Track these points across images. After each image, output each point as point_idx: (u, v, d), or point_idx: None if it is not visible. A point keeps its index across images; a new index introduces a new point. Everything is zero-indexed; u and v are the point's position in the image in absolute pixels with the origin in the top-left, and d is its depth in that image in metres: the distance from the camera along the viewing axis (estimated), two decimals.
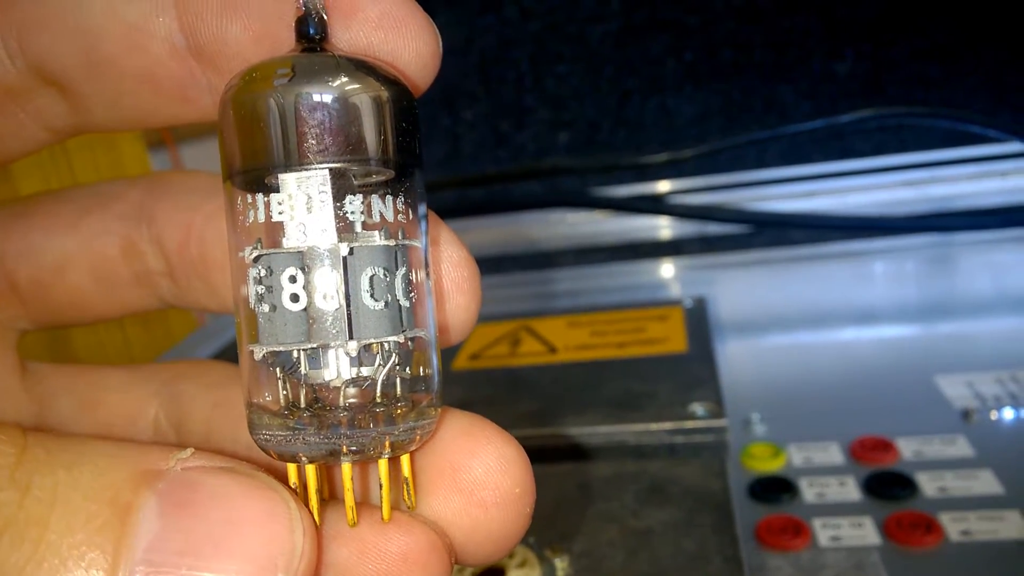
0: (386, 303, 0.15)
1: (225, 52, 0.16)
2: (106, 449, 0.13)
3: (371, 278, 0.15)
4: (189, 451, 0.14)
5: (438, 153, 0.74)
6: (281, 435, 0.15)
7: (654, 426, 0.38)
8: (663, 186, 0.66)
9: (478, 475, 0.16)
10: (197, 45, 0.16)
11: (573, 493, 0.34)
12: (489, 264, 0.68)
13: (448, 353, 0.50)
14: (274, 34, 0.16)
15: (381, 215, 0.15)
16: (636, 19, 0.69)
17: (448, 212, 0.66)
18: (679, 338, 0.47)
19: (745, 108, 0.69)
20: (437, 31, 0.17)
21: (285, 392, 0.15)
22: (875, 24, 0.65)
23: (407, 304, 0.16)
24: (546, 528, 0.32)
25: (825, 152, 0.65)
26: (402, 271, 0.16)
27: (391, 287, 0.15)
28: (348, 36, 0.16)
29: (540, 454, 0.38)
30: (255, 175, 0.15)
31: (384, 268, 0.15)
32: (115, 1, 0.16)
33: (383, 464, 0.16)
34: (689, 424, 0.37)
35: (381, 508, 0.16)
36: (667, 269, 0.64)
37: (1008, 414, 0.39)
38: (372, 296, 0.15)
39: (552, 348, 0.49)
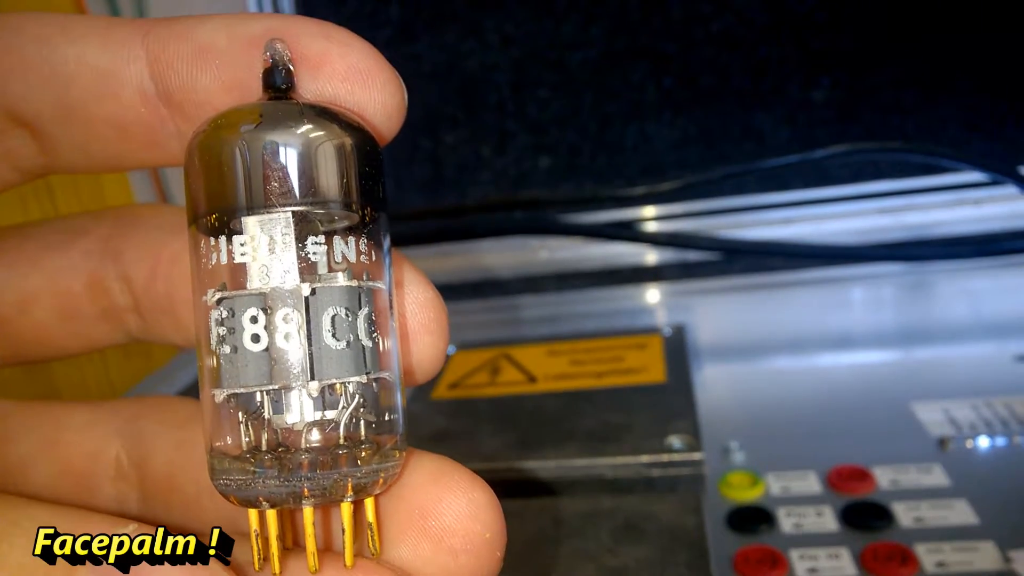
0: (348, 343, 0.15)
1: (194, 100, 0.16)
2: (42, 516, 0.13)
3: (333, 318, 0.15)
4: (133, 525, 0.13)
5: (419, 176, 0.74)
6: (241, 479, 0.15)
7: (631, 459, 0.38)
8: (642, 212, 0.67)
9: (447, 521, 0.16)
10: (167, 92, 0.16)
11: (549, 529, 0.34)
12: (468, 290, 0.68)
13: (428, 382, 0.50)
14: (243, 83, 0.16)
15: (344, 257, 0.16)
16: (616, 46, 0.69)
17: (427, 238, 0.66)
18: (657, 368, 0.47)
19: (723, 134, 0.69)
20: (403, 84, 0.17)
21: (247, 436, 0.15)
22: (851, 54, 0.66)
23: (370, 344, 0.16)
24: (522, 566, 0.31)
25: (803, 179, 0.66)
26: (365, 311, 0.16)
27: (353, 327, 0.15)
28: (316, 87, 0.16)
29: (518, 488, 0.38)
30: (219, 218, 0.15)
31: (346, 308, 0.15)
32: (87, 49, 0.16)
33: (346, 508, 0.15)
34: (665, 457, 0.37)
35: (344, 554, 0.16)
36: (646, 295, 0.65)
37: (983, 442, 0.39)
38: (334, 336, 0.15)
39: (531, 377, 0.48)
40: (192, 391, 0.55)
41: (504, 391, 0.47)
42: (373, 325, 0.16)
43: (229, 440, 0.15)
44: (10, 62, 0.16)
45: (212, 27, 0.16)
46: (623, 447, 0.38)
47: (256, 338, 0.15)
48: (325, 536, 0.17)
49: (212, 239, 0.15)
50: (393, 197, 0.74)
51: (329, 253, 0.15)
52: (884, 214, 0.64)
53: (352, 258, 0.16)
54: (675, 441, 0.38)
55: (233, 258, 0.15)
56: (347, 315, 0.15)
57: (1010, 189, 0.55)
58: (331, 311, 0.15)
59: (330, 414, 0.15)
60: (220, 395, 0.15)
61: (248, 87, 0.16)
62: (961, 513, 0.34)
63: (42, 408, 0.21)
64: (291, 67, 0.16)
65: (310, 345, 0.15)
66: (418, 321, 0.18)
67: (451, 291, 0.68)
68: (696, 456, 0.37)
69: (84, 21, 0.17)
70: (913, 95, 0.66)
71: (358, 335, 0.15)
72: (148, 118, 0.17)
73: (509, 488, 0.38)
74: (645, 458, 0.37)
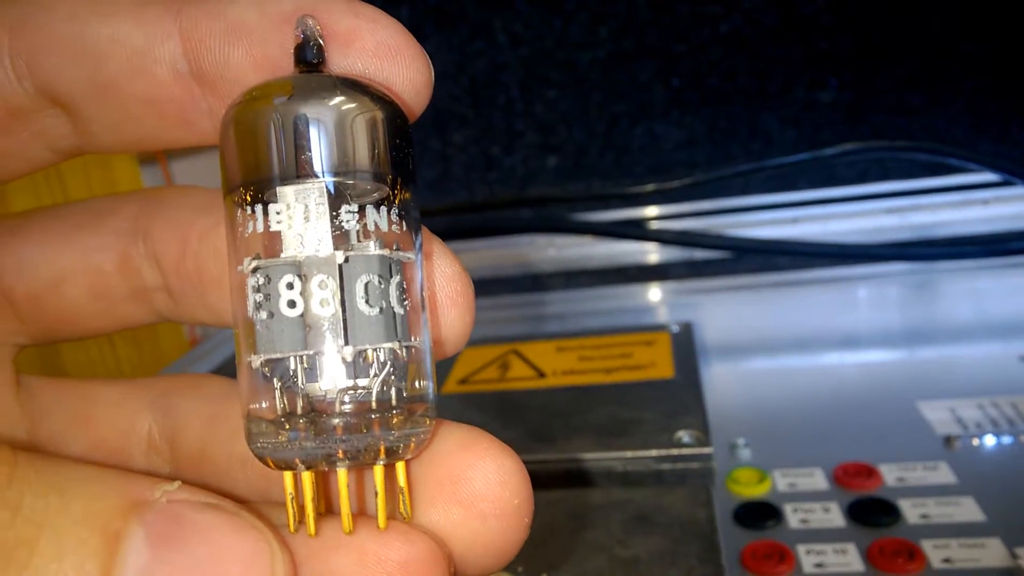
0: (380, 309, 0.16)
1: (226, 77, 0.17)
2: (95, 475, 0.13)
3: (366, 285, 0.16)
4: (176, 484, 0.14)
5: (429, 175, 0.74)
6: (277, 442, 0.15)
7: (641, 453, 0.38)
8: (650, 211, 0.67)
9: (477, 487, 0.17)
10: (199, 70, 0.17)
11: (562, 521, 0.34)
12: (478, 287, 0.68)
13: (437, 377, 0.50)
14: (274, 60, 0.17)
15: (376, 226, 0.16)
16: (624, 46, 0.70)
17: (438, 235, 0.66)
18: (666, 364, 0.48)
19: (730, 134, 0.70)
20: (430, 61, 0.17)
21: (282, 401, 0.16)
22: (857, 54, 0.67)
23: (401, 312, 0.16)
24: (535, 556, 0.32)
25: (809, 179, 0.66)
26: (396, 280, 0.16)
27: (386, 294, 0.16)
28: (346, 63, 0.17)
29: (530, 480, 0.38)
30: (255, 189, 0.16)
31: (379, 276, 0.16)
32: (121, 27, 0.16)
33: (378, 471, 0.16)
34: (675, 451, 0.38)
35: (377, 517, 0.16)
36: (654, 293, 0.65)
37: (989, 440, 0.40)
38: (367, 302, 0.15)
39: (541, 373, 0.49)
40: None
41: (514, 386, 0.48)
42: (404, 293, 0.16)
43: (265, 405, 0.16)
44: (43, 40, 0.16)
45: (244, 5, 0.17)
46: (632, 441, 0.39)
47: (292, 304, 0.15)
48: (359, 501, 0.18)
49: (248, 209, 0.16)
50: None
51: (362, 223, 0.16)
52: (891, 214, 0.64)
53: (384, 228, 0.16)
54: (684, 436, 0.38)
55: (269, 227, 0.15)
56: (380, 282, 0.16)
57: (1017, 189, 0.55)
58: (364, 278, 0.16)
59: (363, 380, 0.16)
60: (257, 360, 0.16)
61: (279, 64, 0.17)
62: (967, 510, 0.35)
63: (73, 385, 0.21)
64: (322, 42, 0.16)
65: (344, 311, 0.15)
66: (445, 294, 0.18)
67: None
68: (705, 450, 0.38)
69: (117, 0, 0.17)
70: (919, 96, 0.67)
71: (390, 302, 0.16)
72: (181, 96, 0.17)
73: None
74: (655, 452, 0.38)
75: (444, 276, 0.18)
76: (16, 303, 0.20)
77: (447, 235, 0.66)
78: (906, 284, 0.60)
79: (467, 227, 0.66)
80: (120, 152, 0.19)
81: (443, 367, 0.51)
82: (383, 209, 0.16)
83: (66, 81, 0.17)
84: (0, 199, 0.70)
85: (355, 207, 0.16)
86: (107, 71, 0.17)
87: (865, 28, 0.66)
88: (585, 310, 0.65)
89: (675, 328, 0.53)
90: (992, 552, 0.32)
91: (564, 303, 0.66)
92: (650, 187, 0.60)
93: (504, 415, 0.44)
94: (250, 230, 0.16)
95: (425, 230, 0.18)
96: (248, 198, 0.16)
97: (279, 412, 0.16)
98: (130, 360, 0.82)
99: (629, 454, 0.38)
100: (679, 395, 0.43)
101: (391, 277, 0.16)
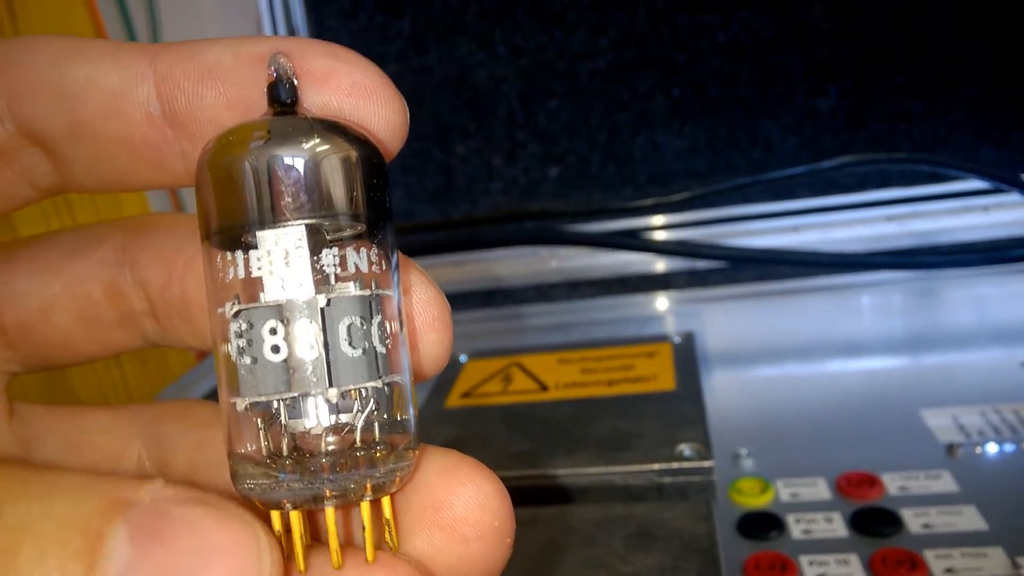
0: (363, 350, 0.16)
1: (199, 117, 0.17)
2: (79, 480, 0.13)
3: (348, 327, 0.16)
4: (159, 482, 0.14)
5: (431, 187, 0.75)
6: (264, 483, 0.15)
7: (642, 467, 0.38)
8: (650, 221, 0.67)
9: (458, 512, 0.17)
10: (172, 112, 0.17)
11: (562, 537, 0.34)
12: (480, 299, 0.68)
13: (441, 390, 0.50)
14: (248, 99, 0.17)
15: (356, 267, 0.16)
16: (625, 56, 0.70)
17: (439, 248, 0.67)
18: (667, 375, 0.48)
19: (731, 143, 0.70)
20: (405, 103, 0.18)
21: (267, 442, 0.16)
22: (857, 62, 0.67)
23: (383, 351, 0.16)
24: (536, 573, 0.32)
25: (810, 188, 0.67)
26: (377, 319, 0.16)
27: (368, 335, 0.16)
28: (321, 102, 0.17)
29: (531, 495, 0.39)
30: (232, 233, 0.16)
31: (361, 317, 0.16)
32: (98, 69, 0.17)
33: (365, 507, 0.16)
34: (676, 465, 0.38)
35: (365, 550, 0.16)
36: (656, 303, 0.65)
37: (992, 448, 0.40)
38: (351, 344, 0.16)
39: (543, 386, 0.49)
40: (211, 400, 0.56)
41: (516, 399, 0.48)
42: (386, 332, 0.16)
43: (250, 446, 0.16)
44: (26, 82, 0.17)
45: (219, 48, 0.17)
46: (634, 455, 0.39)
47: (276, 349, 0.15)
48: (345, 532, 0.18)
49: (228, 254, 0.16)
50: (405, 207, 0.75)
51: (342, 264, 0.16)
52: (892, 222, 0.64)
53: (364, 268, 0.16)
54: (685, 449, 0.39)
55: (250, 272, 0.16)
56: (362, 323, 0.16)
57: (1018, 196, 0.55)
58: (347, 320, 0.16)
59: (345, 418, 0.16)
60: (242, 403, 0.16)
61: (253, 104, 0.17)
62: (970, 519, 0.35)
63: (65, 412, 0.21)
64: (295, 81, 0.16)
65: (328, 353, 0.16)
66: (423, 319, 0.19)
67: (463, 300, 0.69)
68: (706, 464, 0.38)
69: (96, 44, 0.17)
70: (920, 103, 0.67)
71: (372, 342, 0.16)
72: (154, 138, 0.17)
73: (522, 496, 0.39)
74: (656, 466, 0.38)
75: (421, 302, 0.18)
76: (7, 331, 0.20)
77: (450, 247, 0.67)
78: (907, 292, 0.60)
79: (468, 240, 0.66)
80: (99, 191, 0.19)
81: (446, 381, 0.52)
82: (362, 249, 0.16)
83: (45, 121, 0.17)
84: (7, 224, 0.71)
85: (335, 249, 0.16)
86: (83, 112, 0.17)
87: (865, 35, 0.66)
88: (587, 320, 0.65)
89: (677, 339, 0.53)
90: (994, 562, 0.32)
91: (567, 314, 0.66)
92: (649, 201, 0.61)
93: (507, 429, 0.44)
94: (231, 275, 0.16)
95: (401, 255, 0.18)
96: (225, 243, 0.16)
97: (265, 453, 0.16)
98: (136, 377, 0.83)
99: (630, 468, 0.38)
100: (681, 407, 0.43)
101: (373, 316, 0.16)
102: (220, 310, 0.16)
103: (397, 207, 0.75)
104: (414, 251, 0.65)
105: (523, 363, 0.52)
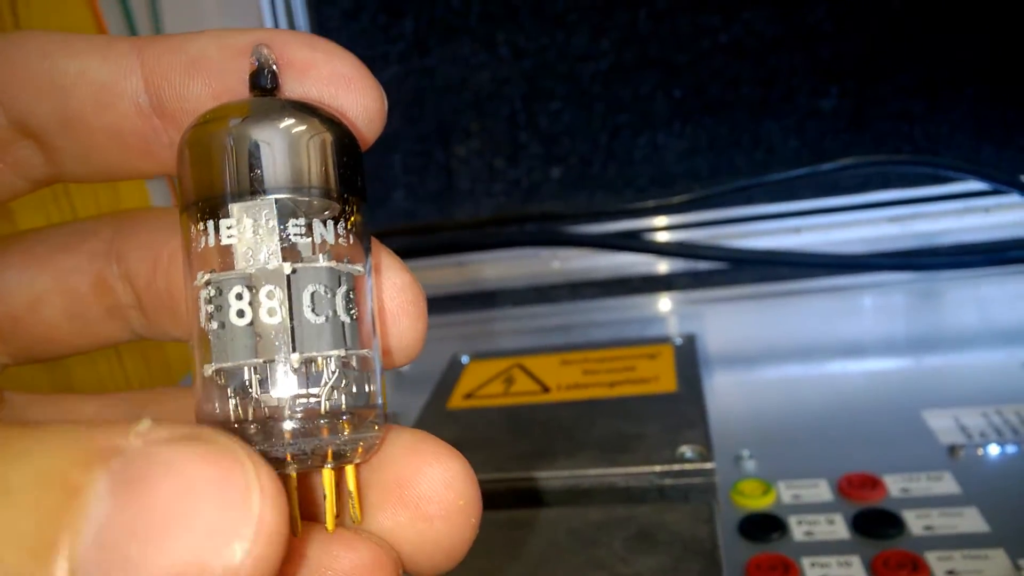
0: (327, 318, 0.16)
1: (185, 108, 0.18)
2: (63, 430, 0.12)
3: (312, 294, 0.16)
4: (147, 422, 0.12)
5: (433, 188, 0.75)
6: None
7: (643, 469, 0.38)
8: (652, 222, 0.67)
9: (423, 490, 0.17)
10: (160, 102, 0.18)
11: (563, 538, 0.34)
12: (482, 300, 0.68)
13: (442, 392, 0.50)
14: (232, 90, 0.17)
15: (323, 240, 0.17)
16: (626, 57, 0.70)
17: (441, 249, 0.67)
18: (669, 377, 0.48)
19: (733, 144, 0.70)
20: (382, 91, 0.18)
21: (234, 408, 0.16)
22: (859, 63, 0.67)
23: (348, 321, 0.17)
24: (537, 575, 0.32)
25: (811, 189, 0.67)
26: (343, 290, 0.17)
27: (332, 304, 0.16)
28: (301, 90, 0.18)
29: (531, 497, 0.39)
30: (207, 206, 0.16)
31: (325, 286, 0.16)
32: (88, 63, 0.17)
33: (327, 474, 0.16)
34: (677, 467, 0.38)
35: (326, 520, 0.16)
36: (657, 304, 0.65)
37: (993, 450, 0.40)
38: (314, 311, 0.16)
39: (545, 387, 0.49)
40: None
41: (518, 401, 0.48)
42: (351, 304, 0.17)
43: (218, 411, 0.16)
44: (17, 76, 0.17)
45: (204, 40, 0.18)
46: (635, 457, 0.39)
47: (241, 313, 0.16)
48: (314, 507, 0.18)
49: (201, 225, 0.16)
50: (407, 208, 0.75)
51: (311, 237, 0.16)
52: (893, 223, 0.64)
53: (331, 241, 0.17)
54: (687, 451, 0.39)
55: (220, 241, 0.16)
56: (326, 292, 0.16)
57: (1018, 197, 0.55)
58: (311, 288, 0.16)
59: (313, 388, 0.16)
60: (209, 369, 0.16)
61: (237, 94, 0.17)
62: (972, 521, 0.35)
63: (53, 400, 0.22)
64: (276, 70, 0.17)
65: (292, 319, 0.16)
66: (396, 304, 0.19)
67: (465, 302, 0.69)
68: (707, 466, 0.38)
69: (85, 38, 0.18)
70: (921, 103, 0.67)
71: (336, 311, 0.16)
72: (143, 128, 0.18)
73: (523, 497, 0.39)
74: (657, 468, 0.38)
75: (395, 287, 0.19)
76: None
77: (452, 248, 0.67)
78: (909, 293, 0.60)
79: (471, 241, 0.66)
80: (91, 181, 0.20)
81: (448, 382, 0.52)
82: (331, 224, 0.17)
83: (36, 114, 0.18)
84: (7, 218, 0.71)
85: (304, 222, 0.16)
86: (73, 104, 0.17)
87: (867, 36, 0.66)
88: (589, 321, 0.65)
89: (678, 340, 0.53)
90: (996, 564, 0.32)
91: (568, 315, 0.66)
92: (651, 203, 0.61)
93: (508, 430, 0.44)
94: (203, 245, 0.16)
95: (376, 242, 0.18)
96: (201, 215, 0.17)
97: (231, 418, 0.16)
98: (138, 374, 0.83)
99: (632, 470, 0.38)
100: (682, 409, 0.43)
101: (338, 287, 0.17)
102: (194, 281, 0.17)
103: (399, 208, 0.76)
104: (417, 252, 0.65)
105: (525, 364, 0.53)
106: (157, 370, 0.84)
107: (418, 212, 0.75)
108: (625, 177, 0.72)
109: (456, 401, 0.49)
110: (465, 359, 0.55)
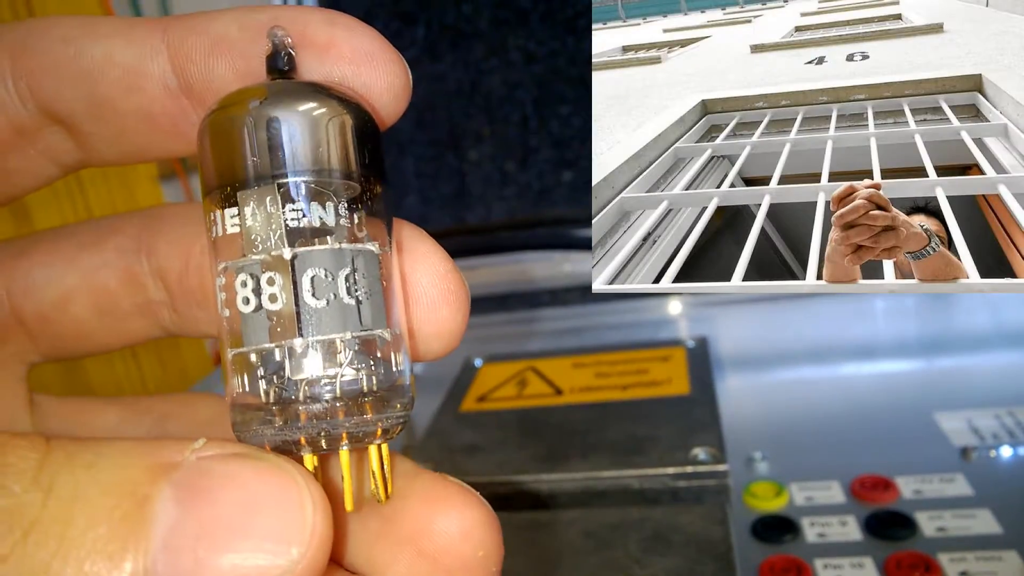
0: (328, 301, 0.16)
1: (212, 89, 0.18)
2: (124, 447, 0.14)
3: (312, 278, 0.16)
4: (202, 441, 0.14)
5: (445, 192, 0.75)
6: (247, 431, 0.16)
7: (657, 471, 0.38)
8: None
9: (440, 543, 0.17)
10: (187, 84, 0.18)
11: (579, 540, 0.34)
12: (495, 303, 0.69)
13: (456, 395, 0.51)
14: (256, 71, 0.17)
15: (337, 222, 0.16)
16: None
17: (454, 253, 0.67)
18: (682, 380, 0.48)
19: None
20: (407, 66, 0.18)
21: (254, 392, 0.16)
22: None
23: (351, 303, 0.16)
24: None
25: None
26: (344, 272, 0.16)
27: (333, 287, 0.16)
28: (324, 70, 0.17)
29: (547, 499, 0.39)
30: (219, 193, 0.16)
31: (327, 269, 0.16)
32: (113, 47, 0.17)
33: (344, 455, 0.16)
34: (691, 469, 0.38)
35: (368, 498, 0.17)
36: (669, 307, 0.65)
37: (1006, 452, 0.40)
38: (314, 295, 0.16)
39: (558, 390, 0.49)
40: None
41: (531, 403, 0.48)
42: (357, 285, 0.17)
43: (240, 394, 0.17)
44: (42, 63, 0.17)
45: (225, 20, 0.18)
46: (649, 459, 0.39)
47: (247, 301, 0.16)
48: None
49: (212, 212, 0.17)
50: (419, 212, 0.76)
51: (322, 220, 0.16)
52: None
53: (346, 223, 0.16)
54: (700, 453, 0.39)
55: (226, 229, 0.16)
56: (327, 275, 0.16)
57: None
58: (311, 272, 0.16)
59: (330, 371, 0.16)
60: (228, 355, 0.17)
61: (261, 75, 0.17)
62: (984, 522, 0.35)
63: (76, 405, 0.22)
64: (292, 51, 0.17)
65: (297, 305, 0.16)
66: (438, 291, 0.18)
67: (478, 305, 0.69)
68: (721, 467, 0.38)
69: (108, 22, 0.18)
70: None
71: (338, 294, 0.16)
72: (172, 109, 0.18)
73: (537, 500, 0.39)
74: (671, 470, 0.38)
75: (436, 273, 0.18)
76: (26, 323, 0.20)
77: (465, 252, 0.67)
78: (921, 295, 0.60)
79: (482, 245, 0.67)
80: (121, 164, 0.20)
81: (461, 385, 0.52)
82: (343, 207, 0.17)
83: (65, 100, 0.18)
84: (24, 216, 0.72)
85: (307, 205, 0.16)
86: (102, 89, 0.17)
87: None
88: (602, 325, 0.65)
89: (691, 343, 0.53)
90: (1009, 565, 0.32)
91: (581, 318, 0.67)
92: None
93: (522, 433, 0.45)
94: (216, 233, 0.17)
95: (418, 230, 0.18)
96: (214, 204, 0.17)
97: (252, 403, 0.16)
98: (155, 377, 0.84)
99: (645, 472, 0.38)
100: (695, 412, 0.44)
101: (344, 269, 0.16)
102: (213, 269, 0.17)
103: (411, 212, 0.76)
104: None
105: (538, 367, 0.53)
106: (173, 372, 0.85)
107: (430, 216, 0.76)
108: None
109: (469, 404, 0.49)
110: (478, 362, 0.55)
